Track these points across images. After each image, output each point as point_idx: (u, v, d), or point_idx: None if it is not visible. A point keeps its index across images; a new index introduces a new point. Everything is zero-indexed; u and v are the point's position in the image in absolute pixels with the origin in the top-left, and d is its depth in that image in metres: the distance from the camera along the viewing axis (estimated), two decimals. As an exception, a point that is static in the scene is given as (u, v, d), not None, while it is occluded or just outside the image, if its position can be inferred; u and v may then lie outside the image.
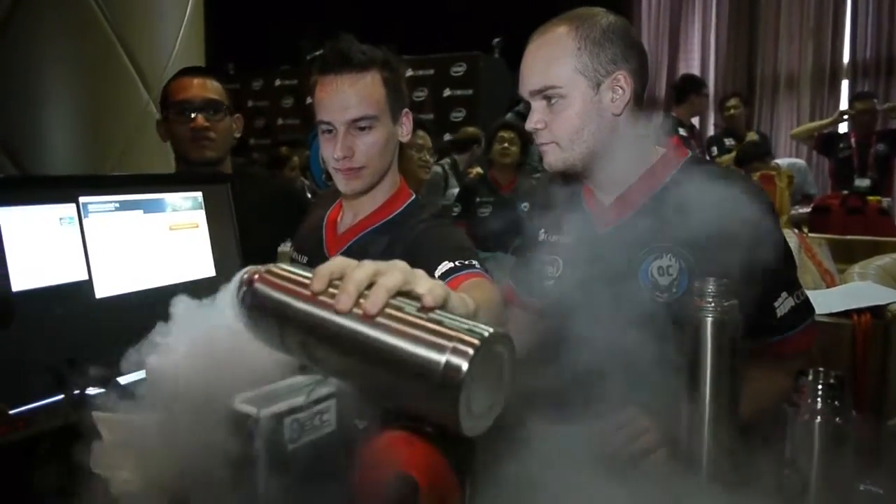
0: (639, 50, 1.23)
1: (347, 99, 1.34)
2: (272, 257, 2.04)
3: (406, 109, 1.44)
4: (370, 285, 0.61)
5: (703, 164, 1.30)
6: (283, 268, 0.68)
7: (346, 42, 1.36)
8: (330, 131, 1.37)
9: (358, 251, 1.41)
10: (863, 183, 4.88)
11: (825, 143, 5.44)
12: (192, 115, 1.83)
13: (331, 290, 0.62)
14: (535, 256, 1.40)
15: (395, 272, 0.62)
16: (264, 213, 1.75)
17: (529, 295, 1.44)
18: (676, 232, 1.17)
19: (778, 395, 1.07)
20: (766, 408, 1.12)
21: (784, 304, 1.19)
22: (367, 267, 0.63)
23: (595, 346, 1.26)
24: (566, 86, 1.18)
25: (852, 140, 5.19)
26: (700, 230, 1.14)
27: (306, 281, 0.64)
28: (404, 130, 1.45)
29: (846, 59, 7.42)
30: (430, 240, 1.35)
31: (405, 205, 1.46)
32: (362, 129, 1.35)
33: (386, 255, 1.25)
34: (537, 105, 1.22)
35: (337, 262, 0.65)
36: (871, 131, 5.17)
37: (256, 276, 0.67)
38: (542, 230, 1.40)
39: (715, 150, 5.44)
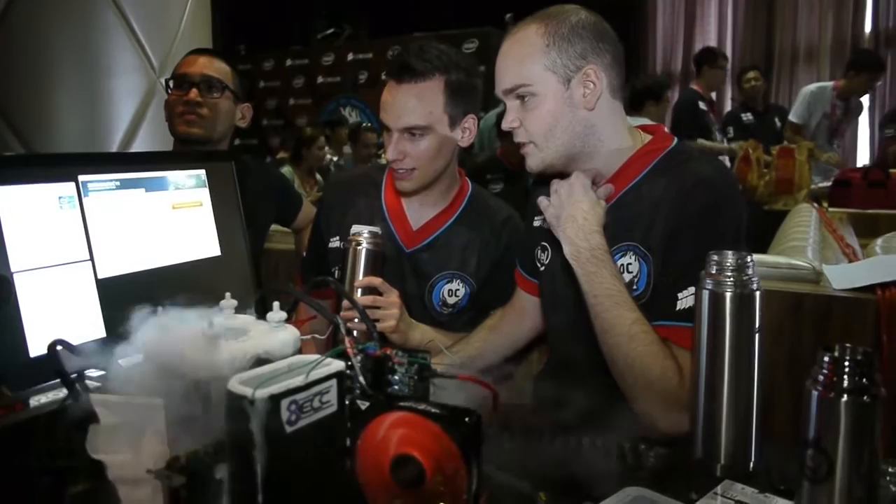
0: (612, 44, 1.22)
1: (402, 107, 1.40)
2: (263, 238, 2.04)
3: (472, 115, 1.48)
4: None
5: (680, 157, 1.22)
6: None
7: (415, 47, 1.42)
8: (388, 131, 1.44)
9: (445, 243, 1.54)
10: None
11: None
12: (188, 89, 1.79)
13: None
14: (532, 241, 1.41)
15: None
16: (259, 198, 1.73)
17: (530, 276, 1.46)
18: (638, 232, 1.18)
19: (648, 363, 1.07)
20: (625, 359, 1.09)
21: (687, 300, 1.09)
22: None
23: (570, 336, 1.27)
24: (536, 83, 1.19)
25: None
26: (659, 233, 1.15)
27: None
28: (465, 135, 1.48)
29: (868, 29, 7.24)
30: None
31: (468, 196, 1.58)
32: (414, 135, 1.41)
33: (471, 243, 1.52)
34: (511, 104, 1.23)
35: None
36: None
37: None
38: (539, 217, 1.39)
39: (731, 130, 5.28)
